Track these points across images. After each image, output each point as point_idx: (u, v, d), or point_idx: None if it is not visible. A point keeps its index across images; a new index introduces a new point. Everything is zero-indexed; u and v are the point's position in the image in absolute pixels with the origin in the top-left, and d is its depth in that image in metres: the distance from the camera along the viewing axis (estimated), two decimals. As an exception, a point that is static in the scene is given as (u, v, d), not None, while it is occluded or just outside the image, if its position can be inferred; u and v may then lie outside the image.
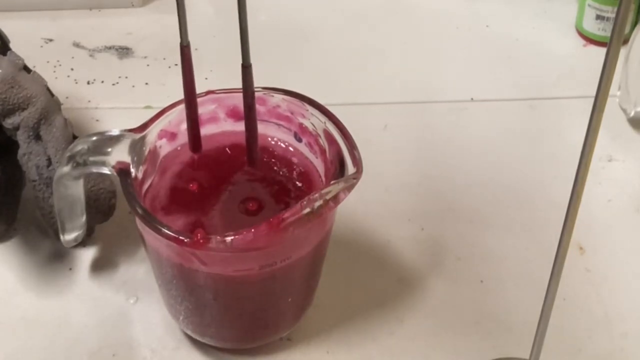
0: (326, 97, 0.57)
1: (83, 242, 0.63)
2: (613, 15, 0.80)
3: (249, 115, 0.53)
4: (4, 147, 0.64)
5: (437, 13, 0.88)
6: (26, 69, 0.64)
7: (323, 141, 0.54)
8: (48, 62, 0.81)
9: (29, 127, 0.61)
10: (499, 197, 0.69)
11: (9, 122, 0.61)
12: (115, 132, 0.54)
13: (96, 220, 0.62)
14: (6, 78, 0.61)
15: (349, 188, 0.50)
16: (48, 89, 0.64)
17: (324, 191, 0.49)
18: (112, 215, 0.63)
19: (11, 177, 0.64)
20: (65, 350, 0.58)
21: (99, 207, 0.61)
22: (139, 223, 0.51)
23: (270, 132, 0.57)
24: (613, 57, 0.40)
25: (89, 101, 0.77)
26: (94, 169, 0.53)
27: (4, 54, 0.64)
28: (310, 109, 0.55)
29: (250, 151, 0.55)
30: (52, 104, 0.63)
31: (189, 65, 0.52)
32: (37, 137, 0.61)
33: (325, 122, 0.54)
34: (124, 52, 0.82)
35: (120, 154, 0.52)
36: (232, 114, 0.57)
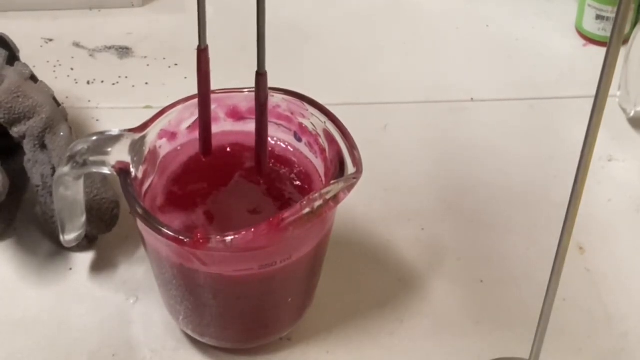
0: (326, 97, 0.57)
1: (84, 246, 0.63)
2: (613, 15, 0.80)
3: (260, 123, 0.53)
4: (11, 149, 0.65)
5: (437, 13, 0.88)
6: (33, 78, 0.65)
7: (323, 141, 0.54)
8: (48, 62, 0.81)
9: (35, 136, 0.61)
10: (499, 197, 0.69)
11: (15, 131, 0.62)
12: (115, 132, 0.54)
13: (99, 230, 0.62)
14: (12, 88, 0.61)
15: (349, 188, 0.50)
16: (54, 99, 0.65)
17: (324, 191, 0.49)
18: (115, 226, 0.63)
19: (15, 179, 0.64)
20: (65, 350, 0.58)
21: (102, 217, 0.61)
22: (139, 223, 0.51)
23: (270, 132, 0.57)
24: (613, 57, 0.40)
25: (89, 101, 0.77)
26: (94, 169, 0.53)
27: (12, 64, 0.64)
28: (310, 109, 0.55)
29: (259, 160, 0.55)
30: (58, 113, 0.63)
31: (205, 69, 0.52)
32: (43, 146, 0.62)
33: (325, 122, 0.54)
34: (124, 52, 0.82)
35: (120, 154, 0.52)
36: (232, 114, 0.57)
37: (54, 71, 0.80)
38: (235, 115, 0.57)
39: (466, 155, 0.72)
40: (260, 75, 0.52)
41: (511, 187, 0.70)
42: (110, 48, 0.83)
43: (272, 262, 0.51)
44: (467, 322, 0.60)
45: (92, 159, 0.53)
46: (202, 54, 0.52)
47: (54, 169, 0.61)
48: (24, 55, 0.71)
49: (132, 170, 0.52)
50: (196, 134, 0.56)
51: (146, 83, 0.79)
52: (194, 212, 0.54)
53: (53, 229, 0.62)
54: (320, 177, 0.55)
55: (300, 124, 0.56)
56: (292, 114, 0.56)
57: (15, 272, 0.63)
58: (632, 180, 0.70)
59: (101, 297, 0.61)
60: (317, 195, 0.49)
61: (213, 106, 0.56)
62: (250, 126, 0.57)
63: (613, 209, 0.68)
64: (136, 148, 0.53)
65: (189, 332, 0.58)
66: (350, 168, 0.51)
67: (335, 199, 0.49)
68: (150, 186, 0.55)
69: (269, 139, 0.57)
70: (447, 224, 0.67)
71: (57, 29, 0.85)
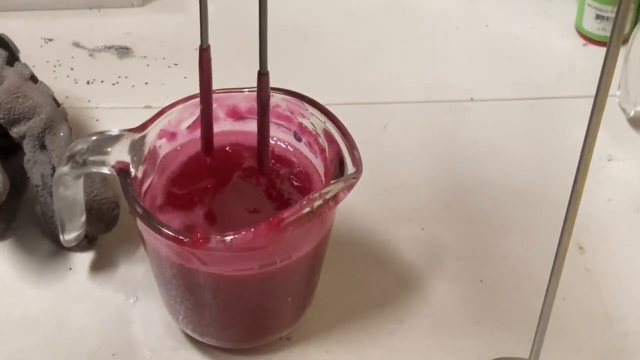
0: (326, 97, 0.57)
1: (84, 246, 0.63)
2: (613, 15, 0.80)
3: (263, 122, 0.54)
4: (11, 150, 0.65)
5: (437, 13, 0.88)
6: (34, 79, 0.65)
7: (323, 141, 0.54)
8: (48, 62, 0.81)
9: (35, 136, 0.62)
10: (499, 197, 0.69)
11: (15, 132, 0.62)
12: (115, 132, 0.54)
13: (98, 231, 0.62)
14: (12, 88, 0.61)
15: (349, 188, 0.50)
16: (54, 99, 0.65)
17: (324, 191, 0.49)
18: (115, 226, 0.63)
19: (15, 180, 0.64)
20: (65, 350, 0.58)
21: (102, 217, 0.61)
22: (139, 223, 0.51)
23: (271, 132, 0.57)
24: (613, 57, 0.40)
25: (89, 101, 0.77)
26: (94, 169, 0.53)
27: (12, 65, 0.64)
28: (310, 109, 0.55)
29: (261, 160, 0.55)
30: (58, 114, 0.63)
31: (208, 68, 0.52)
32: (43, 147, 0.62)
33: (325, 122, 0.54)
34: (124, 52, 0.82)
35: (120, 154, 0.52)
36: (232, 114, 0.57)
37: (54, 71, 0.80)
38: (235, 115, 0.57)
39: (466, 155, 0.72)
40: (263, 75, 0.52)
41: (511, 187, 0.70)
42: (110, 48, 0.83)
43: (272, 262, 0.51)
44: (467, 322, 0.60)
45: (92, 159, 0.53)
46: (205, 53, 0.52)
47: (54, 169, 0.61)
48: (24, 55, 0.71)
49: (132, 170, 0.52)
50: (196, 134, 0.56)
51: (146, 83, 0.79)
52: (193, 212, 0.54)
53: (53, 229, 0.62)
54: (320, 177, 0.55)
55: (300, 124, 0.56)
56: (292, 114, 0.56)
57: (15, 272, 0.63)
58: (632, 180, 0.70)
59: (101, 297, 0.61)
60: (317, 195, 0.49)
61: (213, 106, 0.56)
62: (250, 126, 0.57)
63: (613, 209, 0.68)
64: (136, 148, 0.53)
65: (189, 332, 0.58)
66: (350, 168, 0.51)
67: (335, 199, 0.49)
68: (150, 186, 0.55)
69: (270, 139, 0.57)
70: (447, 224, 0.67)
71: (57, 29, 0.85)
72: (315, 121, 0.55)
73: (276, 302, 0.55)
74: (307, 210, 0.48)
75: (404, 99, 0.78)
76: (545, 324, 0.51)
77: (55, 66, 0.80)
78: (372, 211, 0.67)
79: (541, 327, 0.51)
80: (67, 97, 0.76)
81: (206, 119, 0.54)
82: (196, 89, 0.54)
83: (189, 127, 0.56)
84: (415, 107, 0.77)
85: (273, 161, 0.57)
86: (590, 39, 0.83)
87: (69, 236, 0.58)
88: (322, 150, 0.55)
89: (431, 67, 0.81)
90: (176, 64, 0.81)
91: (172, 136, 0.56)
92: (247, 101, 0.57)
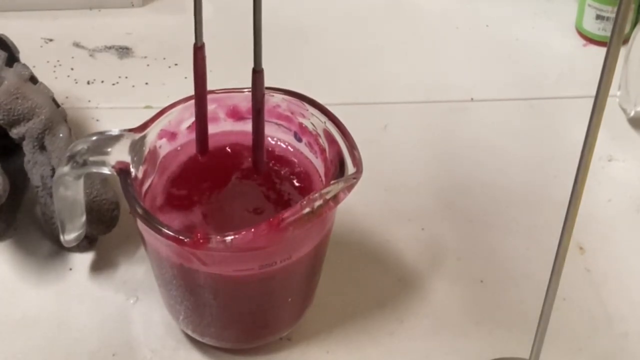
0: (326, 97, 0.57)
1: (84, 247, 0.63)
2: (613, 15, 0.80)
3: (257, 120, 0.53)
4: (11, 150, 0.65)
5: (437, 13, 0.88)
6: (33, 80, 0.65)
7: (323, 141, 0.54)
8: (48, 62, 0.81)
9: (34, 137, 0.62)
10: (499, 197, 0.69)
11: (14, 132, 0.62)
12: (115, 132, 0.54)
13: (98, 231, 0.62)
14: (11, 89, 0.61)
15: (349, 188, 0.50)
16: (54, 100, 0.65)
17: (324, 191, 0.49)
18: (114, 227, 0.63)
19: (15, 180, 0.64)
20: (65, 350, 0.58)
21: (101, 218, 0.61)
22: (139, 223, 0.51)
23: (270, 132, 0.57)
24: (613, 57, 0.40)
25: (89, 101, 0.77)
26: (94, 169, 0.53)
27: (11, 65, 0.64)
28: (310, 109, 0.55)
29: (256, 158, 0.55)
30: (57, 114, 0.63)
31: (202, 67, 0.52)
32: (42, 147, 0.62)
33: (325, 122, 0.54)
34: (124, 52, 0.82)
35: (120, 154, 0.52)
36: (232, 114, 0.57)
37: (54, 71, 0.80)
38: (235, 115, 0.57)
39: (466, 155, 0.72)
40: (257, 72, 0.52)
41: (511, 187, 0.70)
42: (110, 48, 0.83)
43: (272, 262, 0.51)
44: (467, 322, 0.60)
45: (92, 159, 0.53)
46: (199, 51, 0.52)
47: (53, 170, 0.61)
48: (23, 55, 0.71)
49: (132, 170, 0.52)
50: (196, 134, 0.56)
51: (146, 83, 0.79)
52: (193, 212, 0.54)
53: (53, 229, 0.62)
54: (320, 177, 0.55)
55: (300, 124, 0.56)
56: (292, 114, 0.56)
57: (15, 272, 0.63)
58: (632, 180, 0.70)
59: (101, 297, 0.61)
60: (317, 195, 0.49)
61: (213, 106, 0.56)
62: (250, 126, 0.57)
63: (613, 209, 0.68)
64: (136, 148, 0.53)
65: (189, 332, 0.58)
66: (350, 168, 0.51)
67: (335, 199, 0.49)
68: (150, 186, 0.55)
69: (269, 139, 0.57)
70: (447, 224, 0.67)
71: (57, 29, 0.85)
72: (315, 121, 0.55)
73: (276, 302, 0.55)
74: (307, 210, 0.48)
75: (404, 99, 0.78)
76: (545, 324, 0.51)
77: (55, 66, 0.80)
78: (372, 211, 0.67)
79: (541, 327, 0.51)
80: (67, 97, 0.76)
81: (200, 118, 0.54)
82: (196, 89, 0.54)
83: (188, 127, 0.56)
84: (415, 107, 0.77)
85: (273, 161, 0.57)
86: (590, 39, 0.83)
87: (69, 236, 0.58)
88: (322, 150, 0.55)
89: (431, 67, 0.81)
90: (176, 64, 0.81)
91: (172, 136, 0.56)
92: (247, 101, 0.57)
